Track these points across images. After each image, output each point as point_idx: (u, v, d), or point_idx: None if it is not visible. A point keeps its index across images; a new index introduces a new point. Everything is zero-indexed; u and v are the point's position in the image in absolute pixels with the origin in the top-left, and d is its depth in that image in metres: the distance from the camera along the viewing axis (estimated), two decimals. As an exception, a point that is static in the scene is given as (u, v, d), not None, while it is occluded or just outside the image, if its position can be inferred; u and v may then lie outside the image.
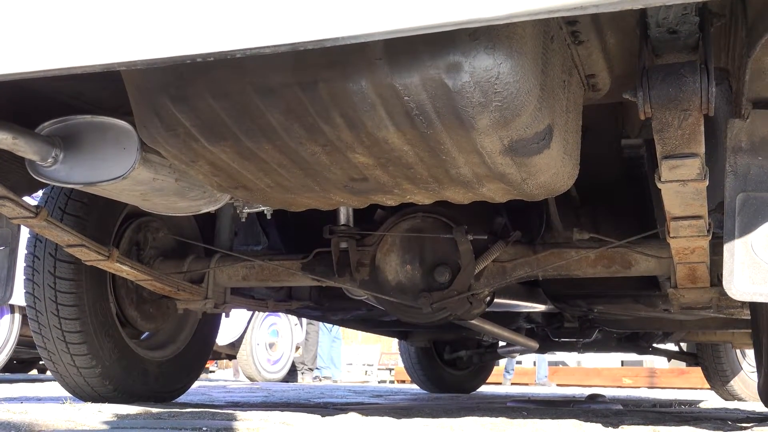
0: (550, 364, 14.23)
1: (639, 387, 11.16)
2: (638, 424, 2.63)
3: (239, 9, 1.22)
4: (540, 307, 3.79)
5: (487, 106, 1.52)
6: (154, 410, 2.61)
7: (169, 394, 3.38)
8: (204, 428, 2.09)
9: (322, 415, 2.53)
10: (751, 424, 2.78)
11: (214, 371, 13.37)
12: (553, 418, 2.71)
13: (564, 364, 16.00)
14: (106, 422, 2.21)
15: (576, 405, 4.31)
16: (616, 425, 2.53)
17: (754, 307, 2.82)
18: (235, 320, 8.78)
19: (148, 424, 2.21)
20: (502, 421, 2.52)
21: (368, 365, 18.33)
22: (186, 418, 2.38)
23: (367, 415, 2.58)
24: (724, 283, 1.73)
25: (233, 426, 2.17)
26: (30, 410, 2.46)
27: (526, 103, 1.54)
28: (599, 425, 2.49)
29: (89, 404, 2.84)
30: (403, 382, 12.65)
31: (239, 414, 2.46)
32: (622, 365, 14.99)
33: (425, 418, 2.71)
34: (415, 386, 7.19)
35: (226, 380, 9.90)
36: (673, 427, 2.52)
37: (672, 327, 4.84)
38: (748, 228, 1.73)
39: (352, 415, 2.52)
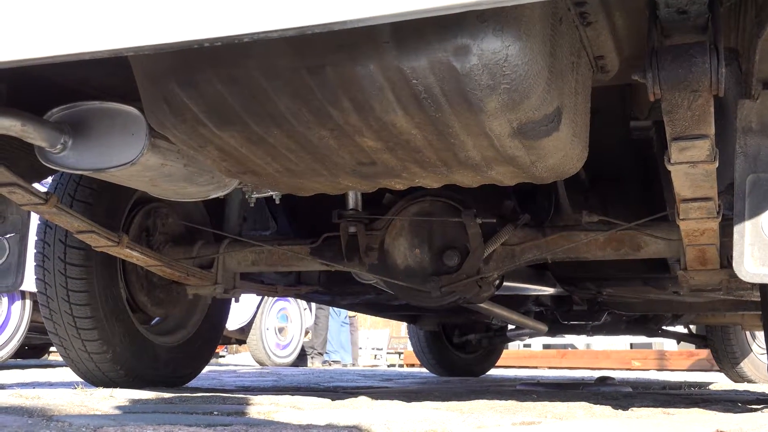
0: (559, 347, 14.23)
1: (648, 369, 11.17)
2: (648, 407, 2.64)
3: (246, -7, 1.22)
4: (549, 290, 3.79)
5: (496, 88, 1.51)
6: (166, 395, 2.63)
7: (179, 379, 3.39)
8: (215, 412, 2.10)
9: (332, 399, 2.55)
10: (761, 406, 2.78)
11: (224, 356, 13.41)
12: (562, 401, 2.71)
13: (573, 347, 16.00)
14: (118, 407, 2.22)
15: (585, 388, 4.31)
16: (625, 407, 2.53)
17: (764, 288, 2.81)
18: (245, 305, 8.81)
19: (159, 408, 2.22)
20: (512, 404, 2.53)
21: (377, 349, 18.37)
22: (197, 402, 2.39)
23: (377, 398, 2.59)
24: (734, 264, 1.72)
25: (244, 410, 2.18)
26: (42, 395, 2.48)
27: (535, 85, 1.53)
28: (609, 407, 2.50)
29: (101, 389, 2.87)
30: (413, 365, 12.67)
31: (250, 398, 2.47)
32: (632, 348, 14.98)
33: (435, 401, 2.72)
34: (424, 370, 7.21)
35: (236, 365, 9.94)
36: (683, 409, 2.52)
37: (681, 309, 4.83)
38: (758, 209, 1.72)
39: (363, 399, 2.53)
